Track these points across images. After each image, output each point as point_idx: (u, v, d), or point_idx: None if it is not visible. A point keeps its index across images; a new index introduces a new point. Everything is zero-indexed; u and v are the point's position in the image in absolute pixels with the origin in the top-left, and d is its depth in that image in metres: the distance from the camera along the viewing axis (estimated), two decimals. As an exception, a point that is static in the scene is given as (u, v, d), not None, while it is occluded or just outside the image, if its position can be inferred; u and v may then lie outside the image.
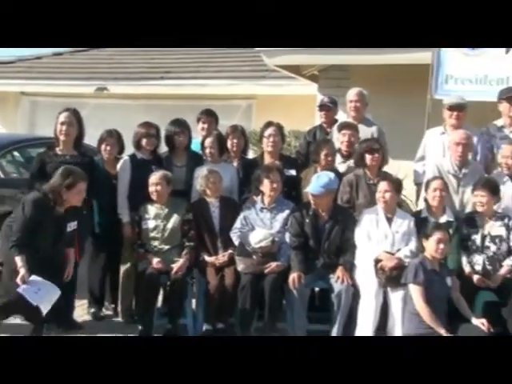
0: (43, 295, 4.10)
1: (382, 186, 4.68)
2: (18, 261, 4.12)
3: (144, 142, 5.25)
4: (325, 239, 4.75)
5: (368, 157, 4.96)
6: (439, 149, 5.31)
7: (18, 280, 4.06)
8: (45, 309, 4.11)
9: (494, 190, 4.62)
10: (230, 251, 4.86)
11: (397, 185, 4.73)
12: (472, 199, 4.69)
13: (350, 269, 4.68)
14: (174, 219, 4.92)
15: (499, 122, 5.32)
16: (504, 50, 5.63)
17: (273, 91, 9.46)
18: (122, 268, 5.19)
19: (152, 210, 4.95)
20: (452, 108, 5.23)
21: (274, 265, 4.68)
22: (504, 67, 5.67)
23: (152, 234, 4.91)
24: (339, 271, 4.63)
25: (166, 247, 4.90)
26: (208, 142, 5.29)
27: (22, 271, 4.08)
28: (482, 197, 4.58)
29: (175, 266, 4.76)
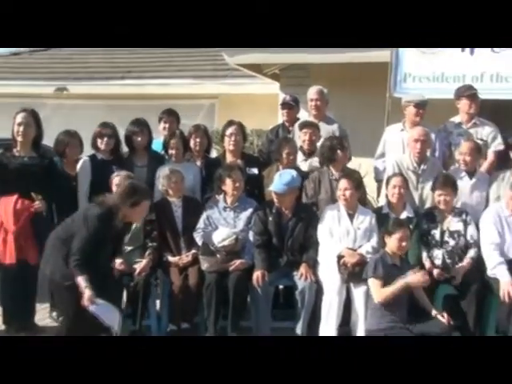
0: (111, 315, 3.99)
1: (342, 183, 4.73)
2: (82, 281, 3.88)
3: (99, 142, 5.22)
4: (288, 237, 4.78)
5: (339, 153, 5.00)
6: (398, 146, 5.40)
7: (86, 301, 3.86)
8: (116, 329, 3.99)
9: (454, 186, 4.73)
10: (193, 251, 4.85)
11: (357, 182, 4.79)
12: (435, 197, 4.76)
13: (314, 266, 4.72)
14: (137, 220, 4.88)
15: (456, 119, 5.42)
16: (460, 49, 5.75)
17: (235, 90, 9.47)
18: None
19: (114, 210, 4.90)
20: (418, 106, 5.31)
21: (238, 262, 4.68)
22: (460, 65, 5.77)
23: (114, 235, 4.86)
24: (302, 268, 4.67)
25: (129, 248, 4.85)
26: (172, 142, 5.26)
27: (88, 292, 3.86)
28: (446, 195, 4.67)
29: (138, 267, 4.72)
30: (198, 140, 5.42)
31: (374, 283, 4.30)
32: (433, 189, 4.78)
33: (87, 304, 3.88)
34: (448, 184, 4.70)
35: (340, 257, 4.59)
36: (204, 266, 4.72)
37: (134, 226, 4.79)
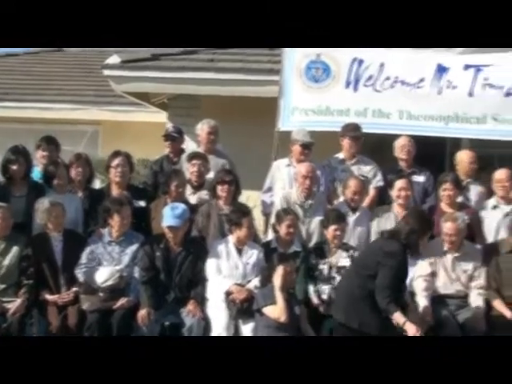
0: None
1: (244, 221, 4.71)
2: None
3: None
4: (176, 272, 4.66)
5: (219, 187, 4.97)
6: (286, 180, 5.47)
7: None
8: None
9: (345, 221, 4.84)
10: (74, 289, 4.60)
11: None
12: (328, 232, 4.80)
13: (202, 302, 4.62)
14: (11, 255, 4.60)
15: (340, 156, 5.60)
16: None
17: (120, 117, 9.21)
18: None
19: (-14, 245, 4.54)
20: (304, 146, 5.41)
21: (123, 301, 4.50)
22: (344, 100, 6.00)
23: (-15, 272, 4.49)
24: (190, 305, 4.56)
25: (2, 286, 4.53)
26: (57, 172, 5.00)
27: None
28: (340, 230, 4.76)
29: (12, 307, 4.38)
30: (79, 170, 5.21)
31: (269, 309, 4.25)
32: (325, 224, 4.84)
33: None
34: (341, 219, 4.80)
35: (228, 293, 4.53)
36: (85, 305, 4.47)
37: (6, 261, 4.46)
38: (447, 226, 4.68)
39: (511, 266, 4.68)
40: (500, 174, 5.19)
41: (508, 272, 4.68)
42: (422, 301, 4.57)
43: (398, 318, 4.01)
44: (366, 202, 5.39)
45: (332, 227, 4.77)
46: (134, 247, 4.74)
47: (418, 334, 3.96)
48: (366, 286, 4.08)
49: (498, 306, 4.61)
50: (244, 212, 4.79)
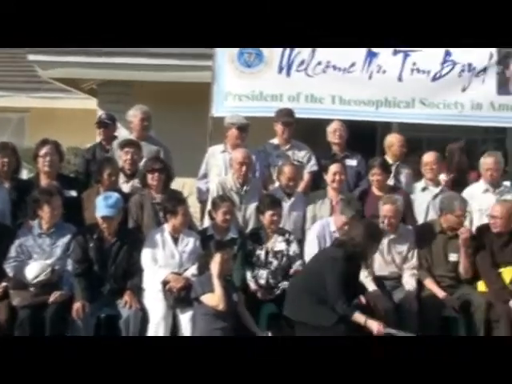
0: None
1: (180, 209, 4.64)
2: None
3: None
4: (111, 263, 4.56)
5: (149, 176, 4.89)
6: (221, 167, 5.44)
7: None
8: None
9: (281, 206, 4.86)
10: (3, 284, 4.42)
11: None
12: (265, 218, 4.80)
13: (138, 292, 4.54)
14: None
15: (275, 141, 5.61)
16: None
17: (48, 104, 8.92)
18: None
19: None
20: (240, 128, 5.39)
21: (56, 295, 4.36)
22: (278, 85, 6.00)
23: None
24: (127, 296, 4.47)
25: None
26: None
27: None
28: (276, 215, 4.77)
29: None
30: (5, 160, 4.99)
31: (206, 297, 4.23)
32: (261, 210, 4.84)
33: None
34: (277, 204, 4.81)
35: (165, 282, 4.48)
36: (15, 300, 4.30)
37: None
38: (386, 208, 4.76)
39: (441, 246, 4.85)
40: (428, 156, 5.34)
41: (438, 252, 4.85)
42: (371, 285, 4.65)
43: (358, 318, 4.08)
44: (301, 186, 5.45)
45: (268, 213, 4.78)
46: (65, 239, 4.60)
47: (381, 330, 4.01)
48: (313, 289, 4.17)
49: (430, 285, 4.76)
50: (179, 199, 4.73)
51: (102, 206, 4.51)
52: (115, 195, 4.59)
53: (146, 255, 4.60)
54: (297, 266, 4.76)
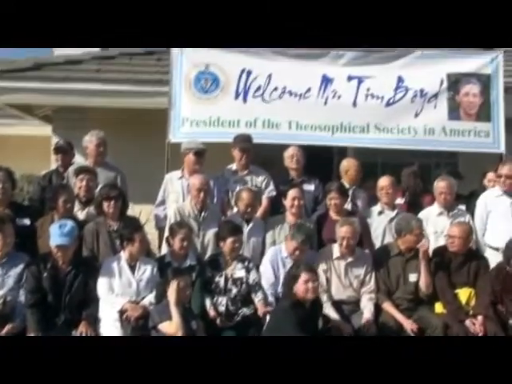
0: None
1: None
2: None
3: None
4: (66, 293, 4.44)
5: (105, 204, 4.82)
6: (179, 193, 5.41)
7: None
8: None
9: (241, 233, 4.83)
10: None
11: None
12: (226, 244, 4.75)
13: (94, 322, 4.43)
14: None
15: (234, 167, 5.62)
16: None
17: (1, 131, 8.75)
18: None
19: None
20: (197, 154, 5.38)
21: (8, 327, 4.25)
22: (235, 111, 6.03)
23: None
24: (82, 327, 4.35)
25: None
26: None
27: None
28: (235, 242, 4.74)
29: None
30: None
31: (164, 325, 4.15)
32: (222, 237, 4.79)
33: None
34: (238, 231, 4.79)
35: (122, 311, 4.39)
36: (-35, 334, 4.14)
37: None
38: (344, 230, 4.80)
39: (400, 268, 4.91)
40: (384, 180, 5.43)
41: (397, 274, 4.90)
42: (330, 312, 4.66)
43: None
44: (260, 212, 5.45)
45: (229, 240, 4.74)
46: (18, 269, 4.47)
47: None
48: None
49: (388, 308, 4.80)
50: (135, 226, 4.67)
51: (56, 235, 4.42)
52: (70, 223, 4.50)
53: (101, 284, 4.51)
54: (260, 294, 4.74)
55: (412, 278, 4.88)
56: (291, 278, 4.34)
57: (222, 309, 4.67)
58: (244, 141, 5.58)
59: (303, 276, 4.25)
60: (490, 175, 5.68)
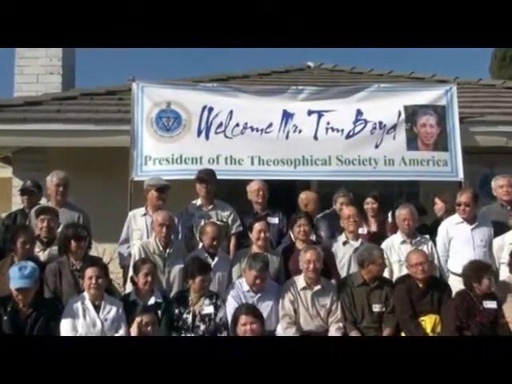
0: None
1: (89, 272, 4.49)
2: None
3: None
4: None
5: (74, 244, 4.76)
6: (143, 230, 5.36)
7: None
8: None
9: (210, 270, 4.79)
10: None
11: (104, 270, 4.59)
12: (195, 282, 4.67)
13: (57, 365, 4.30)
14: None
15: (198, 202, 5.60)
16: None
17: (-41, 174, 8.57)
18: None
19: None
20: (160, 190, 5.37)
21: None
22: (197, 148, 6.05)
23: None
24: (44, 370, 4.22)
25: None
26: None
27: None
28: (204, 280, 4.67)
29: None
30: None
31: None
32: (190, 274, 4.71)
33: None
34: (207, 269, 4.75)
35: (87, 352, 4.27)
36: None
37: None
38: (309, 255, 4.82)
39: (365, 298, 4.92)
40: (349, 210, 5.48)
41: (362, 304, 4.91)
42: None
43: None
44: (231, 249, 5.44)
45: (199, 278, 4.68)
46: (-23, 313, 4.34)
47: None
48: None
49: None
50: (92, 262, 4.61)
51: (16, 277, 4.32)
52: (31, 265, 4.40)
53: (65, 325, 4.40)
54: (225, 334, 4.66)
55: (376, 308, 4.90)
56: (232, 319, 4.41)
57: (189, 346, 4.59)
58: (203, 173, 5.59)
59: (241, 319, 4.34)
60: (437, 201, 5.80)
